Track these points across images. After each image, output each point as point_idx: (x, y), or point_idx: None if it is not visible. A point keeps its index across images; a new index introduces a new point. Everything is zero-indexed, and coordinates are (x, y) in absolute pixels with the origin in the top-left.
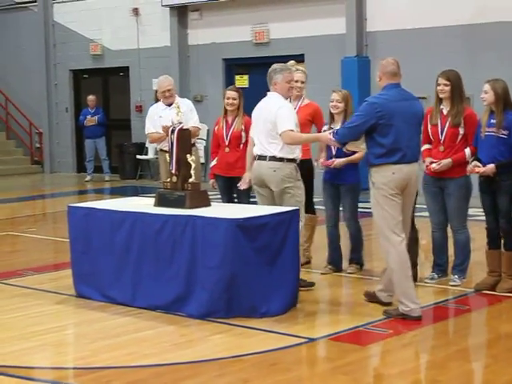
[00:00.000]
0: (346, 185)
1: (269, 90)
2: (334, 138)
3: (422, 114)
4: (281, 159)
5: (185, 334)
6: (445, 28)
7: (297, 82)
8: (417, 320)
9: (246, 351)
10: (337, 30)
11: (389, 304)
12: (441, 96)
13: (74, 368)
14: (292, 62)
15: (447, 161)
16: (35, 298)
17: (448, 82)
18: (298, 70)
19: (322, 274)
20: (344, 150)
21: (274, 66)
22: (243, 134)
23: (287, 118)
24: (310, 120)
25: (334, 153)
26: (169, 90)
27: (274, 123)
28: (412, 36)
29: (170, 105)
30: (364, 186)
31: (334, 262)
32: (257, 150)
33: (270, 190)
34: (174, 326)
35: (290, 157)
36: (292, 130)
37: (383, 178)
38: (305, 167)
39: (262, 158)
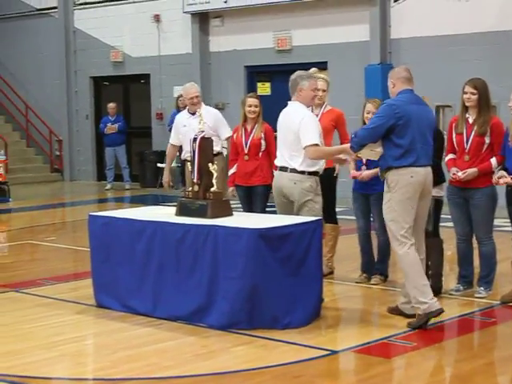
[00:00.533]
0: (375, 194)
1: (290, 98)
2: (350, 142)
3: (433, 121)
4: (302, 172)
5: (206, 345)
6: (469, 35)
7: (318, 90)
8: (439, 313)
9: (268, 363)
10: (360, 37)
11: (413, 316)
12: (467, 104)
13: (94, 379)
14: (314, 69)
15: (473, 170)
16: (55, 307)
17: (475, 91)
18: (319, 78)
19: (356, 282)
20: (356, 156)
21: (300, 72)
22: (263, 141)
23: (311, 130)
24: (334, 125)
25: (364, 163)
26: (196, 97)
27: (296, 135)
28: (436, 43)
29: (194, 113)
30: None
31: (369, 271)
32: (278, 162)
33: (290, 201)
34: (194, 336)
35: (312, 170)
36: (317, 145)
37: (402, 181)
38: (327, 176)
39: (283, 169)
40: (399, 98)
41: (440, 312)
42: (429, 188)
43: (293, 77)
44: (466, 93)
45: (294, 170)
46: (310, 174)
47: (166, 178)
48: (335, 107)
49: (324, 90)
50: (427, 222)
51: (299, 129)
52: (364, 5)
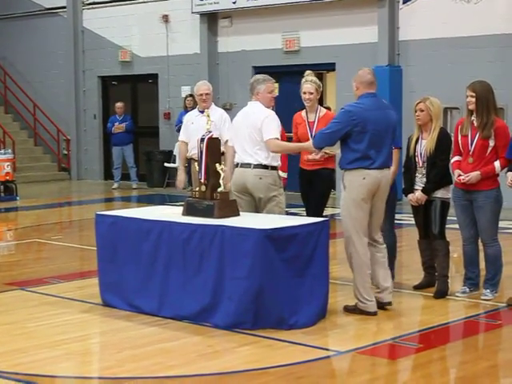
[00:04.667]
0: None
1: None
2: (313, 143)
3: (395, 123)
4: (265, 166)
5: (211, 344)
6: (478, 37)
7: (305, 93)
8: (373, 315)
9: (273, 363)
10: (369, 38)
11: (389, 303)
12: (469, 107)
13: (99, 378)
14: (308, 71)
15: (476, 173)
16: (61, 306)
17: (474, 94)
18: (306, 81)
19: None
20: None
21: (257, 76)
22: None
23: (273, 126)
24: None
25: None
26: (206, 94)
27: (260, 131)
28: (444, 45)
29: (203, 112)
30: (399, 196)
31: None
32: (239, 158)
33: (251, 197)
34: (200, 336)
35: (275, 164)
36: (278, 139)
37: (354, 183)
38: (327, 175)
39: (245, 165)
40: (359, 102)
41: (374, 314)
42: (384, 189)
43: (251, 80)
44: (467, 96)
45: (258, 166)
46: (273, 168)
47: (181, 177)
48: (330, 110)
49: (311, 93)
50: (433, 224)
51: (262, 125)
52: (372, 6)
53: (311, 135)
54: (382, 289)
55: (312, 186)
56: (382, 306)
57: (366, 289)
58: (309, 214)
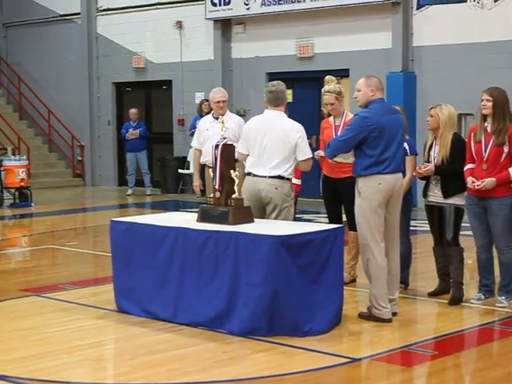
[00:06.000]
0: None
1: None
2: (324, 151)
3: (403, 128)
4: (282, 177)
5: (226, 351)
6: (492, 43)
7: (326, 105)
8: (388, 322)
9: (288, 370)
10: (382, 44)
11: (395, 314)
12: (483, 112)
13: None
14: (327, 78)
15: (491, 180)
16: (76, 312)
17: (490, 98)
18: (325, 92)
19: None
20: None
21: (279, 83)
22: None
23: (307, 144)
24: None
25: None
26: (223, 101)
27: (291, 146)
28: (458, 51)
29: (218, 118)
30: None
31: (405, 280)
32: (253, 168)
33: (263, 205)
34: (215, 343)
35: (290, 176)
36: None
37: (370, 189)
38: (351, 184)
39: (259, 176)
40: (372, 108)
41: (389, 321)
42: (398, 194)
43: (281, 88)
44: (482, 100)
45: (275, 176)
46: (288, 179)
47: (196, 182)
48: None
49: (332, 103)
50: (447, 231)
51: (298, 142)
52: (386, 12)
53: None
54: (390, 299)
55: (341, 197)
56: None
57: (382, 296)
58: (335, 221)
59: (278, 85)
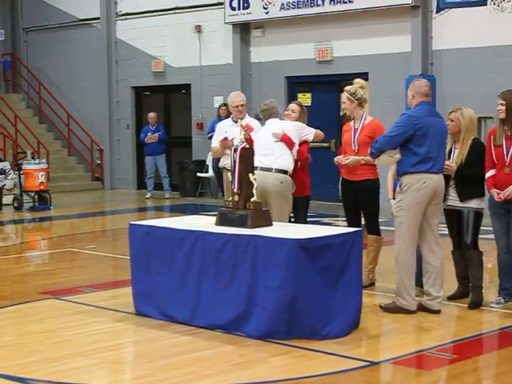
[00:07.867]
0: None
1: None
2: (371, 148)
3: (446, 132)
4: (285, 172)
5: (244, 354)
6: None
7: (344, 103)
8: (412, 313)
9: (307, 374)
10: (402, 48)
11: (438, 312)
12: (499, 117)
13: None
14: (357, 80)
15: None
16: (95, 315)
17: (504, 102)
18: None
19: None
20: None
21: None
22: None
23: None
24: (370, 137)
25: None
26: (242, 105)
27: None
28: (478, 54)
29: (237, 121)
30: None
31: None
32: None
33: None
34: (233, 346)
35: (290, 170)
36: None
37: (414, 186)
38: (369, 186)
39: (266, 169)
40: (418, 109)
41: (413, 313)
42: (440, 194)
43: (271, 105)
44: (498, 104)
45: (278, 170)
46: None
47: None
48: (376, 117)
49: (344, 102)
50: (466, 235)
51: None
52: (406, 16)
53: (353, 141)
54: (433, 297)
55: (360, 200)
56: (427, 310)
57: (410, 287)
58: (354, 225)
59: (269, 103)
